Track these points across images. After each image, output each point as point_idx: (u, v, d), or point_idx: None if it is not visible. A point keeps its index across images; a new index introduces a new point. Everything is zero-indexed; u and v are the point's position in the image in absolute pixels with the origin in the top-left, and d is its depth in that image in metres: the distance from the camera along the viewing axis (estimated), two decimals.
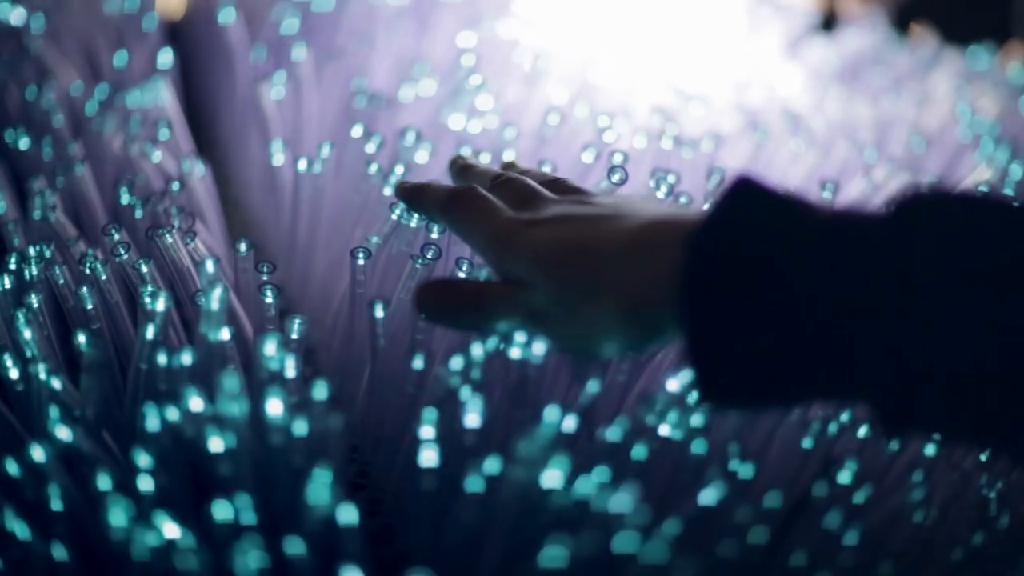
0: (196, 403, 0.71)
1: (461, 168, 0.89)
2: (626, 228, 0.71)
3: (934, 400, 0.62)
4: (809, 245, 0.63)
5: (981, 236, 0.62)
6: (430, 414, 0.71)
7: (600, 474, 0.68)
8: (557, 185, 0.81)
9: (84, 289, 0.84)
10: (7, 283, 0.86)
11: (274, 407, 0.71)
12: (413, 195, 0.85)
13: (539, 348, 0.73)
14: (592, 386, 0.74)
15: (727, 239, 0.65)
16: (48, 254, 0.87)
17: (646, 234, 0.69)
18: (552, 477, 0.67)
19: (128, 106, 1.10)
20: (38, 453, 0.70)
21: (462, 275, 0.82)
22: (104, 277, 0.85)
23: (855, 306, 0.62)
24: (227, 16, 1.26)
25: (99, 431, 0.76)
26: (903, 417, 0.63)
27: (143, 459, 0.69)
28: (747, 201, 0.66)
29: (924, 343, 0.61)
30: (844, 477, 0.73)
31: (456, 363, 0.74)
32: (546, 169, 0.95)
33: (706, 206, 0.72)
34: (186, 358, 0.75)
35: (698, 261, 0.65)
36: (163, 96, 1.13)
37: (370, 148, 1.00)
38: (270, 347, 0.75)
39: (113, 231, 0.88)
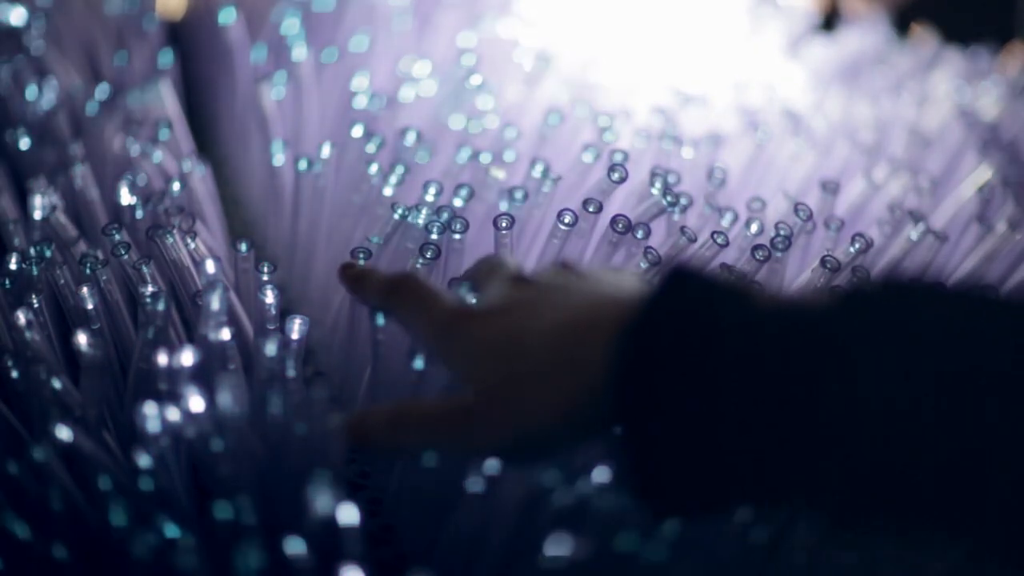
0: (196, 403, 0.71)
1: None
2: (559, 318, 0.66)
3: (881, 498, 0.59)
4: (750, 339, 0.60)
5: (931, 329, 0.59)
6: None
7: (600, 474, 0.68)
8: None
9: (84, 289, 0.84)
10: (7, 283, 0.86)
11: (274, 407, 0.71)
12: (355, 282, 0.80)
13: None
14: None
15: (663, 334, 0.61)
16: (49, 254, 0.87)
17: (580, 323, 0.65)
18: (552, 477, 0.67)
19: (128, 106, 1.10)
20: (38, 453, 0.70)
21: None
22: (105, 277, 0.85)
23: (799, 402, 0.58)
24: (227, 16, 1.26)
25: (99, 431, 0.76)
26: (849, 518, 0.60)
27: (143, 459, 0.69)
28: (684, 291, 0.62)
29: (870, 443, 0.58)
30: None
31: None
32: (542, 168, 0.95)
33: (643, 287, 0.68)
34: (186, 358, 0.75)
35: (631, 358, 0.61)
36: (163, 96, 1.13)
37: (370, 148, 1.00)
38: (270, 347, 0.75)
39: (113, 231, 0.88)
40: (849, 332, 0.59)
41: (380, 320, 0.78)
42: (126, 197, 0.96)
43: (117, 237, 0.87)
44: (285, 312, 0.86)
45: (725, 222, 0.95)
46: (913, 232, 0.99)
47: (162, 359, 0.76)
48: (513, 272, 0.74)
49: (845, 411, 0.58)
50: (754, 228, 0.92)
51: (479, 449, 0.66)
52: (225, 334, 0.77)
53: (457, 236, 0.87)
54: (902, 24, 1.67)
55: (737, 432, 0.59)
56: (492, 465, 0.68)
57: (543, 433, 0.64)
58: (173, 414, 0.71)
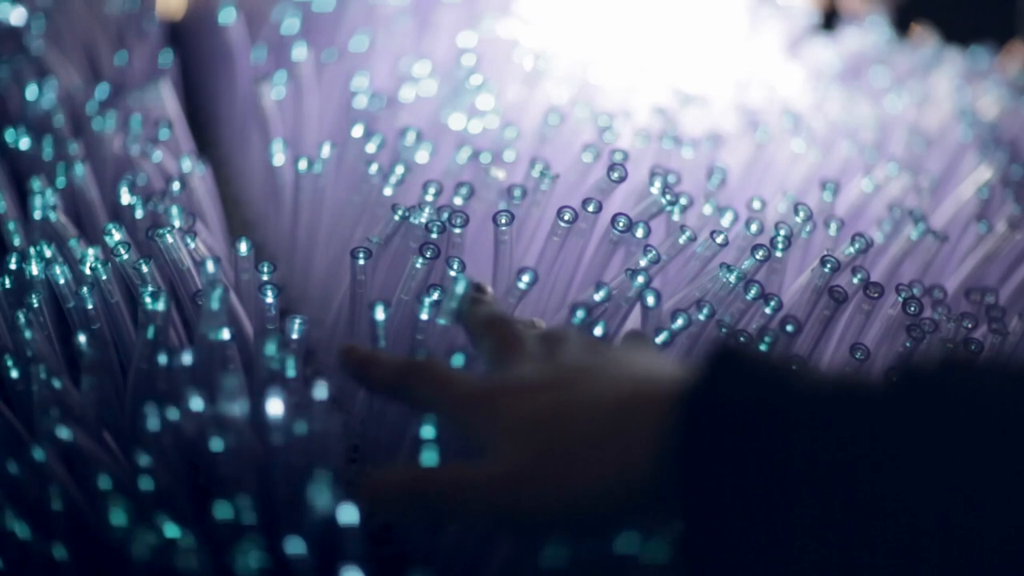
0: (196, 403, 0.71)
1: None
2: (604, 394, 0.65)
3: None
4: (807, 422, 0.59)
5: (993, 414, 0.57)
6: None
7: None
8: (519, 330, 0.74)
9: (84, 289, 0.84)
10: (7, 283, 0.86)
11: (274, 407, 0.71)
12: (360, 367, 0.75)
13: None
14: None
15: (717, 415, 0.60)
16: (48, 254, 0.87)
17: (628, 401, 0.64)
18: None
19: (129, 106, 1.11)
20: (38, 453, 0.70)
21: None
22: (104, 277, 0.85)
23: (857, 488, 0.57)
24: (227, 16, 1.26)
25: (99, 431, 0.76)
26: None
27: (143, 459, 0.69)
28: (733, 371, 0.61)
29: (938, 533, 0.56)
30: None
31: (456, 362, 0.73)
32: (542, 168, 0.95)
33: (685, 364, 0.66)
34: (186, 358, 0.75)
35: (685, 438, 0.60)
36: (163, 96, 1.13)
37: (370, 148, 1.00)
38: (270, 347, 0.75)
39: (113, 231, 0.88)
40: (909, 419, 0.58)
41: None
42: (126, 197, 0.96)
43: (117, 237, 0.87)
44: (285, 312, 0.86)
45: (725, 222, 0.95)
46: (913, 232, 0.99)
47: (162, 359, 0.76)
48: (533, 342, 0.73)
49: (905, 498, 0.57)
50: (754, 228, 0.92)
51: (520, 520, 0.64)
52: (225, 334, 0.77)
53: (457, 231, 0.87)
54: (902, 24, 1.67)
55: (793, 516, 0.58)
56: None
57: (590, 506, 0.62)
58: (173, 414, 0.71)
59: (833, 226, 0.97)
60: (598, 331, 0.76)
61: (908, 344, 0.87)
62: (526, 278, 0.82)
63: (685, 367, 0.66)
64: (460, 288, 0.77)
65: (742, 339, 0.69)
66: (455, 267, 0.84)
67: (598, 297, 0.81)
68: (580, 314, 0.75)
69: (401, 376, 0.72)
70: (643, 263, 0.85)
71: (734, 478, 0.59)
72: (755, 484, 0.58)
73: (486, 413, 0.66)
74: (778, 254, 0.89)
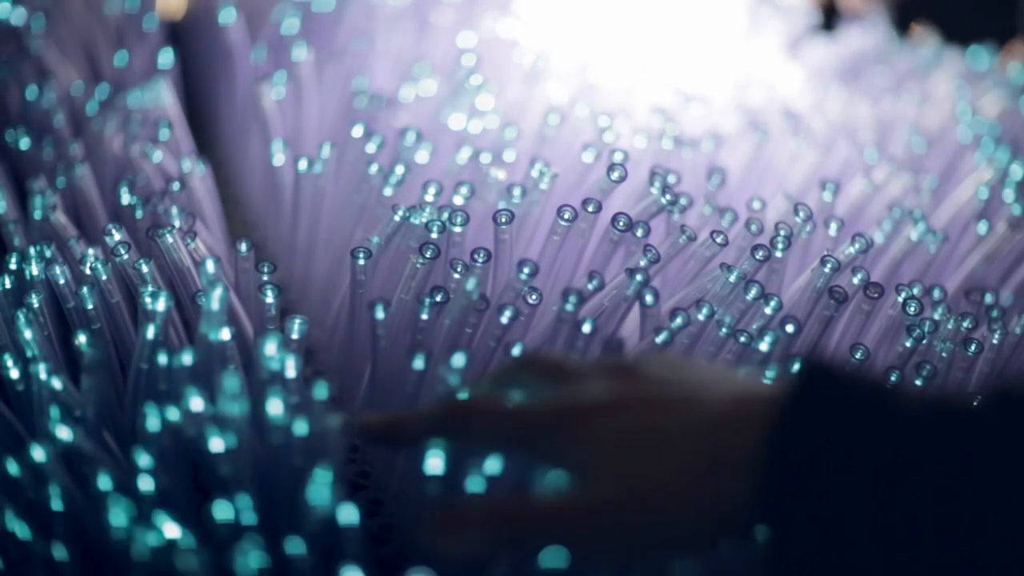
0: (196, 403, 0.71)
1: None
2: (690, 415, 0.63)
3: None
4: (909, 444, 0.58)
5: None
6: None
7: None
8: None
9: (84, 289, 0.84)
10: (7, 283, 0.86)
11: (274, 407, 0.71)
12: (387, 429, 0.69)
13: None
14: None
15: (818, 437, 0.59)
16: (49, 254, 0.87)
17: (718, 422, 0.62)
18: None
19: (129, 106, 1.11)
20: (38, 453, 0.70)
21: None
22: (104, 277, 0.85)
23: (963, 511, 0.57)
24: (227, 16, 1.26)
25: (99, 431, 0.76)
26: None
27: (143, 459, 0.69)
28: (830, 391, 0.60)
29: None
30: None
31: (457, 362, 0.73)
32: (541, 168, 0.95)
33: (769, 381, 0.65)
34: (186, 358, 0.75)
35: (786, 461, 0.59)
36: (163, 96, 1.13)
37: (370, 148, 1.00)
38: (270, 347, 0.75)
39: (113, 231, 0.88)
40: (1007, 438, 0.58)
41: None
42: (126, 197, 0.96)
43: (117, 237, 0.87)
44: (285, 312, 0.86)
45: (725, 222, 0.95)
46: (913, 232, 0.99)
47: (162, 359, 0.76)
48: (592, 364, 0.69)
49: (1005, 516, 0.57)
50: (754, 228, 0.92)
51: (619, 548, 0.61)
52: (225, 334, 0.77)
53: (458, 229, 0.87)
54: (902, 23, 1.67)
55: (899, 539, 0.58)
56: (493, 465, 0.68)
57: (683, 531, 0.61)
58: (173, 414, 0.71)
59: (833, 226, 0.97)
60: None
61: (908, 344, 0.87)
62: (527, 270, 0.82)
63: (773, 384, 0.64)
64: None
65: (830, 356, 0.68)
66: (458, 269, 0.84)
67: (591, 286, 0.81)
68: (572, 300, 0.75)
69: (439, 423, 0.67)
70: (643, 263, 0.85)
71: (837, 499, 0.58)
72: (859, 505, 0.58)
73: (564, 438, 0.63)
74: (778, 254, 0.89)
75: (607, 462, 0.61)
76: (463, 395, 0.70)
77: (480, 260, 0.84)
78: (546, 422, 0.63)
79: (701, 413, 0.62)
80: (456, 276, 0.84)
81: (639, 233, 0.87)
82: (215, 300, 0.77)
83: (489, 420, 0.65)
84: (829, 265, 0.87)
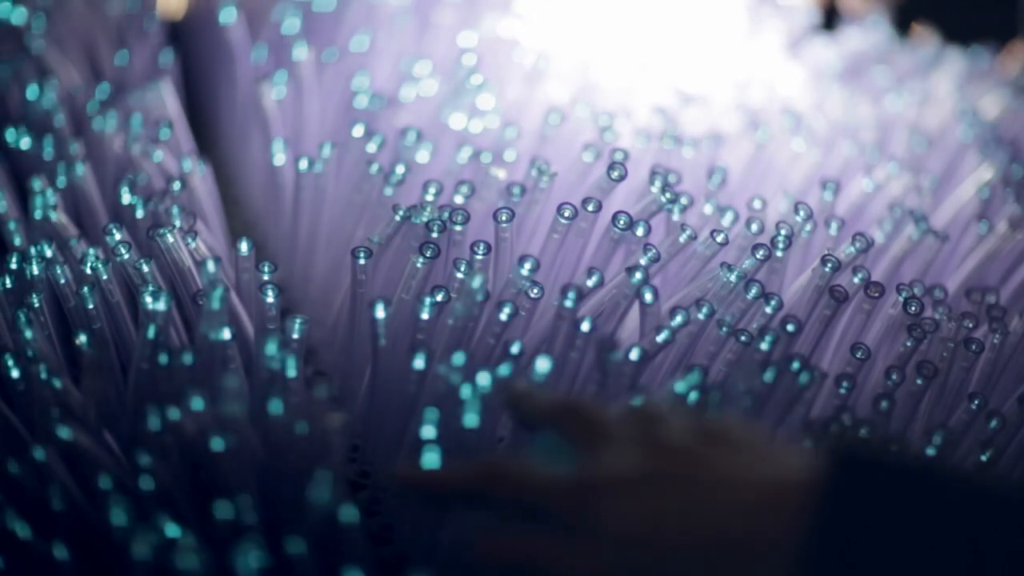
0: (197, 403, 0.71)
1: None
2: (731, 495, 0.61)
3: None
4: (951, 524, 0.59)
5: None
6: (430, 414, 0.71)
7: None
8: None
9: (85, 289, 0.84)
10: (8, 283, 0.86)
11: (275, 407, 0.71)
12: (419, 487, 0.67)
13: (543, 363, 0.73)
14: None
15: (858, 521, 0.59)
16: (49, 254, 0.87)
17: (758, 505, 0.61)
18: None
19: (129, 106, 1.11)
20: (38, 453, 0.70)
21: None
22: (105, 277, 0.85)
23: None
24: (228, 16, 1.26)
25: (100, 431, 0.76)
26: None
27: (143, 459, 0.69)
28: (865, 472, 0.60)
29: None
30: None
31: (457, 361, 0.73)
32: (541, 167, 0.95)
33: (802, 456, 0.63)
34: (187, 358, 0.75)
35: (828, 546, 0.59)
36: (164, 96, 1.13)
37: (371, 148, 1.00)
38: (271, 347, 0.75)
39: (114, 230, 0.88)
40: None
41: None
42: (127, 197, 0.96)
43: (118, 236, 0.87)
44: (285, 312, 0.86)
45: (725, 221, 0.95)
46: (914, 232, 0.99)
47: (163, 359, 0.76)
48: (621, 422, 0.66)
49: None
50: (754, 227, 0.92)
51: None
52: (225, 334, 0.77)
53: (458, 228, 0.87)
54: (903, 23, 1.67)
55: None
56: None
57: None
58: (174, 414, 0.71)
59: (834, 226, 0.97)
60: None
61: (909, 344, 0.87)
62: (528, 265, 0.82)
63: (802, 460, 0.62)
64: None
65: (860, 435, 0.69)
66: (462, 268, 0.84)
67: (591, 283, 0.81)
68: (572, 296, 0.75)
69: (468, 489, 0.65)
70: (643, 262, 0.85)
71: None
72: None
73: (585, 515, 0.61)
74: (778, 254, 0.89)
75: (628, 546, 0.60)
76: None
77: (480, 252, 0.84)
78: (565, 496, 0.62)
79: (729, 501, 0.61)
80: (460, 276, 0.84)
81: (639, 232, 0.87)
82: (216, 300, 0.77)
83: (515, 491, 0.63)
84: (830, 265, 0.87)
